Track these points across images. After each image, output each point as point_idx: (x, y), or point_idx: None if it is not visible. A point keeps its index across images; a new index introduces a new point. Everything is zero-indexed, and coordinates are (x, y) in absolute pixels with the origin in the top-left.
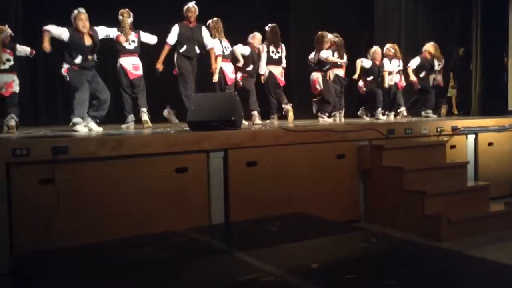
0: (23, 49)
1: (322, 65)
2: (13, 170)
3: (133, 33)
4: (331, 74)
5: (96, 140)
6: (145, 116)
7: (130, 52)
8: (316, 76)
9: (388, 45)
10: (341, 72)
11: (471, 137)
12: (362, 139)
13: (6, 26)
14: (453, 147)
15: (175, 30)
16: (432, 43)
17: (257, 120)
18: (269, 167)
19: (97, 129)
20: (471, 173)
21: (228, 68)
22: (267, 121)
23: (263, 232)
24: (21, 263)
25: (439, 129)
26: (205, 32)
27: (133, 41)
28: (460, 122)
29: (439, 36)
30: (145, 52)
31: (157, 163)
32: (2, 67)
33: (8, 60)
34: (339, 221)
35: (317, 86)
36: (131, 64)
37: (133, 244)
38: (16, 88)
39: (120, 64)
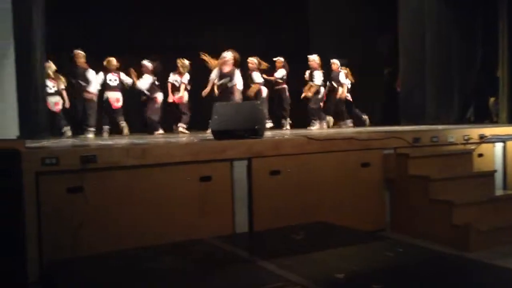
0: (63, 82)
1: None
2: (42, 179)
3: (115, 74)
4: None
5: (122, 149)
6: (126, 129)
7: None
8: None
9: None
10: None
11: (499, 145)
12: (387, 148)
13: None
14: (480, 155)
15: None
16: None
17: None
18: (293, 176)
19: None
20: (500, 182)
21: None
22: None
23: (287, 241)
24: (49, 272)
25: (466, 137)
26: None
27: (115, 80)
28: (487, 130)
29: (463, 40)
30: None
31: (182, 171)
32: (49, 91)
33: (54, 86)
34: (365, 231)
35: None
36: (115, 98)
37: (158, 253)
38: (60, 106)
39: (107, 97)
